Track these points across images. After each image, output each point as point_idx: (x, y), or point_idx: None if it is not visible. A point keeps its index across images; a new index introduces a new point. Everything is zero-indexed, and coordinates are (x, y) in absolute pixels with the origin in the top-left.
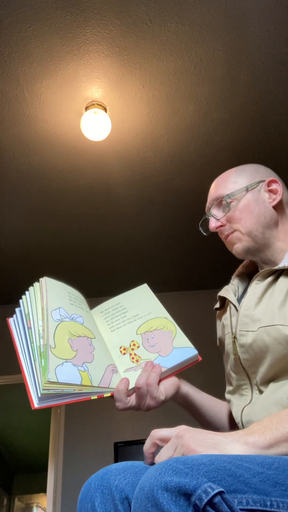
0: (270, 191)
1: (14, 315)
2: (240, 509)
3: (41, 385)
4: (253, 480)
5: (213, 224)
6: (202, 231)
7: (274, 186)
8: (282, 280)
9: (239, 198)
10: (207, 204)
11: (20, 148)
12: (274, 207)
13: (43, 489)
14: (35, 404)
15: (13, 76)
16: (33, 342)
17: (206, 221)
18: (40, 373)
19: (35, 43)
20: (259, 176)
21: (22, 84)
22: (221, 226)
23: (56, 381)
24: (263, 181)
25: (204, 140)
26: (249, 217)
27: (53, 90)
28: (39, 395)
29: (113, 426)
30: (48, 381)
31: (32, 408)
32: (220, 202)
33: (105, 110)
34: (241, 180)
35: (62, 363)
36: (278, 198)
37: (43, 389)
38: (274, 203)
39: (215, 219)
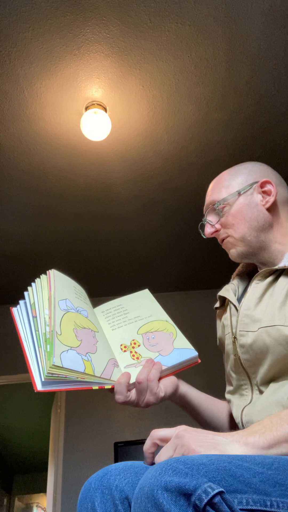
0: (264, 192)
1: (18, 306)
2: (240, 509)
3: (45, 369)
4: (253, 480)
5: (208, 230)
6: (202, 234)
7: (267, 187)
8: (282, 280)
9: (231, 203)
10: (204, 208)
11: (20, 148)
12: (268, 209)
13: (43, 489)
14: (38, 387)
15: (13, 76)
16: (37, 330)
17: (204, 225)
18: (45, 357)
19: (35, 43)
20: (253, 177)
21: (22, 84)
22: (216, 231)
23: (61, 365)
24: (257, 182)
25: (204, 140)
26: (241, 222)
27: (53, 90)
28: (43, 379)
29: (113, 426)
30: (54, 364)
31: (35, 391)
32: (213, 207)
33: (105, 110)
34: (234, 183)
35: (67, 350)
36: (271, 200)
37: (48, 373)
38: (267, 205)
39: (210, 224)
